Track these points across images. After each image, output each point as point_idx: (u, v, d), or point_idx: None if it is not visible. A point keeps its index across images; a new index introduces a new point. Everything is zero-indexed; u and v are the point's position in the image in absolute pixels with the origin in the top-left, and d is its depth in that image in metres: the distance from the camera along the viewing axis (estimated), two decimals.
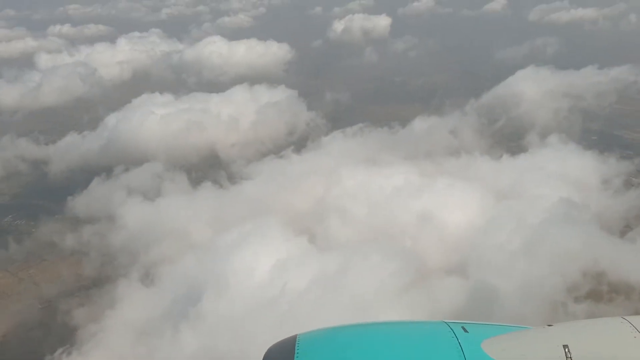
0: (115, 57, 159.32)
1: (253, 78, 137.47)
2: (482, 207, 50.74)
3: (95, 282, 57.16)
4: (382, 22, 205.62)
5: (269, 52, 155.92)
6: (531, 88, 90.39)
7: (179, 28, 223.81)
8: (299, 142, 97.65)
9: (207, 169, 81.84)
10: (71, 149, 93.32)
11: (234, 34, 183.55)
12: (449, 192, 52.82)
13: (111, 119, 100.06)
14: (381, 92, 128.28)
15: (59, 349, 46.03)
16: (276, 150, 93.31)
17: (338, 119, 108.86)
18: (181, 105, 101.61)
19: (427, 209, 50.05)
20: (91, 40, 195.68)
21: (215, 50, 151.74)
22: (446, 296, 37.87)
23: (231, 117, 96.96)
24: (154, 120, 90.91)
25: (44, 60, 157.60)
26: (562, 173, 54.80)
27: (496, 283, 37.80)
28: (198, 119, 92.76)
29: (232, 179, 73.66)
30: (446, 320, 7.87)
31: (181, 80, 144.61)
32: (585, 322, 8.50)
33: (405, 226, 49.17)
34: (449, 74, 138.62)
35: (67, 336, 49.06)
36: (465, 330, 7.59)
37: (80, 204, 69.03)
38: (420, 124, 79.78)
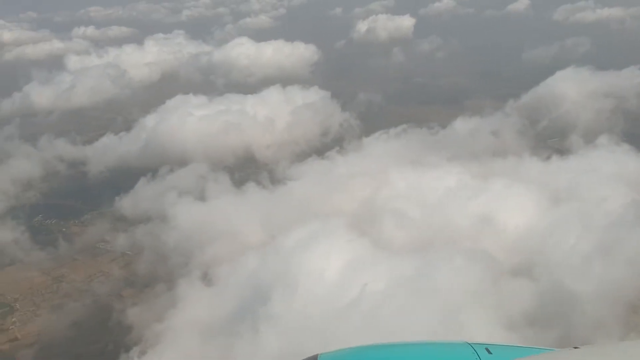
0: (144, 59, 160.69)
1: (281, 79, 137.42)
2: (539, 209, 50.23)
3: (147, 281, 57.55)
4: (406, 22, 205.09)
5: (296, 53, 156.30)
6: (572, 88, 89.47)
7: (201, 29, 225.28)
8: (334, 143, 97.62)
9: (247, 169, 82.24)
10: (109, 149, 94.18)
11: (257, 35, 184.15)
12: (505, 194, 52.39)
13: (147, 121, 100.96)
14: (411, 93, 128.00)
15: (120, 348, 46.76)
16: (311, 151, 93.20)
17: (372, 120, 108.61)
18: (216, 106, 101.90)
19: (484, 210, 49.65)
20: (115, 42, 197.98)
21: (243, 52, 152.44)
22: (517, 298, 37.49)
23: (266, 118, 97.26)
24: (191, 122, 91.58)
25: (73, 61, 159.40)
26: (618, 174, 54.06)
27: (569, 285, 37.39)
28: (235, 121, 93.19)
29: (274, 180, 73.70)
30: (469, 342, 7.68)
31: (210, 82, 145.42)
32: (613, 345, 7.87)
33: (463, 228, 48.74)
34: (477, 74, 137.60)
35: (122, 335, 49.70)
36: (489, 352, 7.40)
37: (126, 203, 69.62)
38: (462, 125, 79.39)
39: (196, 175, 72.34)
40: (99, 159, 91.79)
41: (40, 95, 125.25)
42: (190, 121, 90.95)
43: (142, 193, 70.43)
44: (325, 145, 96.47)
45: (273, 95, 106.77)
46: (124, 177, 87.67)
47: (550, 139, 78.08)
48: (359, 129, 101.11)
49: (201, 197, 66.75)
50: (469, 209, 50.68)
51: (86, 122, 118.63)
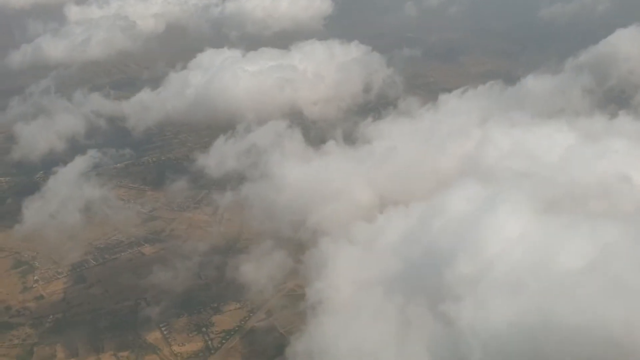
0: (149, 10, 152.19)
1: (297, 33, 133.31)
2: None
3: (250, 240, 55.63)
4: None
5: (313, 6, 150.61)
6: (634, 46, 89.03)
7: None
8: (378, 99, 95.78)
9: (316, 127, 79.46)
10: (149, 105, 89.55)
11: None
12: (624, 152, 51.89)
13: (181, 76, 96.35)
14: (440, 48, 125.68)
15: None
16: (358, 108, 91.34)
17: (415, 76, 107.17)
18: (264, 62, 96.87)
19: (612, 169, 49.07)
20: None
21: (259, 4, 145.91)
22: None
23: (314, 74, 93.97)
24: (243, 78, 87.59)
25: (74, 12, 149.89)
26: None
27: None
28: (288, 77, 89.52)
29: (348, 138, 71.37)
30: None
31: (222, 35, 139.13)
32: None
33: (593, 187, 48.11)
34: (502, 29, 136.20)
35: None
36: None
37: (204, 161, 66.63)
38: (532, 82, 78.33)
39: (274, 133, 69.34)
40: (141, 115, 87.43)
41: (54, 48, 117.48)
42: (242, 77, 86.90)
43: (220, 150, 67.18)
44: (370, 102, 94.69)
45: (312, 49, 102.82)
46: (175, 134, 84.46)
47: (620, 96, 77.92)
48: (403, 85, 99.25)
49: (282, 155, 64.16)
50: (595, 167, 49.91)
51: (108, 75, 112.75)
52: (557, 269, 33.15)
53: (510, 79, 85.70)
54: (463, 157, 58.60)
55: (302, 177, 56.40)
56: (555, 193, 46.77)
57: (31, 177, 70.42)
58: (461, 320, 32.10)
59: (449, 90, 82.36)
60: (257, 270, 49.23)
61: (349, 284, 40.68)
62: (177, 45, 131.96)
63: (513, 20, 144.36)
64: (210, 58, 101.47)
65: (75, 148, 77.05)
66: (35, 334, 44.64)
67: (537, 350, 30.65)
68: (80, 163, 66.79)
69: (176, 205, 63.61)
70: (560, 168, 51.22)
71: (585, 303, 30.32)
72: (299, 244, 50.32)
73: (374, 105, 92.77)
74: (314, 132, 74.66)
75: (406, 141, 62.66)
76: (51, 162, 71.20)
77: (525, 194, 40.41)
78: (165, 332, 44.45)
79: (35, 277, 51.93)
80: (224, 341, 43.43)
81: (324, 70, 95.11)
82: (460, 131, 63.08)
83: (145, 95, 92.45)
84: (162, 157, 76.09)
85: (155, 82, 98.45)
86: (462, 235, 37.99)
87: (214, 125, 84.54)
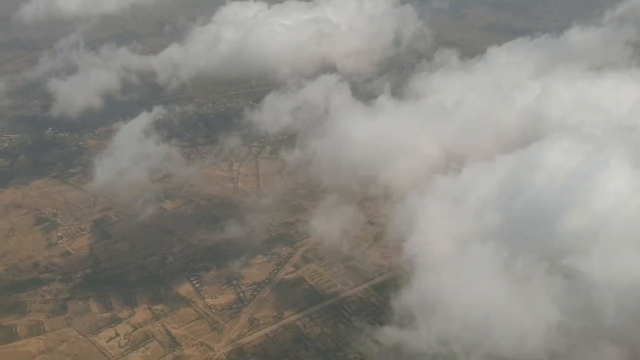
0: None
1: None
2: None
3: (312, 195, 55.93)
4: None
5: None
6: None
7: None
8: (409, 52, 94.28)
9: (361, 82, 78.25)
10: (180, 60, 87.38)
11: None
12: None
13: (211, 29, 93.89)
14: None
15: None
16: (389, 61, 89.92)
17: (448, 28, 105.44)
18: (282, 14, 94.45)
19: None
20: None
21: None
22: None
23: (345, 27, 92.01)
24: (278, 33, 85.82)
25: None
26: None
27: None
28: (319, 30, 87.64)
29: (395, 92, 70.45)
30: None
31: None
32: None
33: None
34: None
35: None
36: None
37: (257, 117, 65.74)
38: (575, 35, 77.54)
39: (324, 88, 68.20)
40: (172, 71, 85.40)
41: (68, 1, 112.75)
42: (279, 32, 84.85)
43: (272, 106, 66.17)
44: (401, 55, 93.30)
45: (341, 1, 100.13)
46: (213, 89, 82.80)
47: None
48: (434, 38, 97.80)
49: (342, 110, 63.40)
50: None
51: (129, 29, 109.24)
52: None
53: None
54: (525, 111, 58.60)
55: (366, 132, 55.82)
56: None
57: (41, 133, 70.01)
58: (588, 274, 32.23)
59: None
60: (327, 223, 49.57)
61: (443, 239, 40.57)
62: None
63: None
64: (236, 11, 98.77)
65: (111, 105, 75.75)
66: (66, 289, 44.53)
67: None
68: (144, 119, 65.50)
69: (234, 159, 63.18)
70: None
71: None
72: (367, 199, 50.29)
73: (407, 59, 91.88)
74: (362, 88, 73.37)
75: (462, 95, 62.01)
76: (91, 120, 70.42)
77: (625, 147, 40.31)
78: (196, 285, 44.64)
79: (59, 234, 51.64)
80: (255, 293, 43.64)
81: (355, 23, 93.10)
82: (517, 85, 62.68)
83: (174, 51, 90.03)
84: (210, 113, 74.54)
85: (177, 36, 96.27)
86: (569, 189, 37.83)
87: (249, 80, 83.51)
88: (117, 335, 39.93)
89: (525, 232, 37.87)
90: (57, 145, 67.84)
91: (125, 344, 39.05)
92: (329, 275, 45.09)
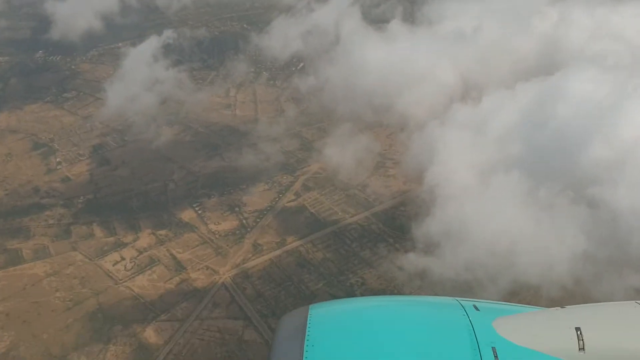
0: None
1: None
2: None
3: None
4: None
5: None
6: None
7: None
8: None
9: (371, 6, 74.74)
10: None
11: None
12: None
13: None
14: None
15: None
16: None
17: None
18: None
19: None
20: None
21: None
22: None
23: None
24: None
25: None
26: None
27: None
28: None
29: (407, 17, 67.61)
30: (458, 298, 7.78)
31: None
32: (598, 305, 8.31)
33: None
34: None
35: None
36: (477, 309, 7.52)
37: (266, 41, 63.46)
38: None
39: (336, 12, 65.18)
40: None
41: None
42: None
43: (279, 32, 63.70)
44: None
45: None
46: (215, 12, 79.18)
47: None
48: None
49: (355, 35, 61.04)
50: None
51: None
52: None
53: None
54: (542, 39, 56.58)
55: (381, 58, 53.93)
56: None
57: (31, 56, 67.36)
58: (614, 203, 32.15)
59: None
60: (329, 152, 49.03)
61: (465, 169, 40.34)
62: None
63: None
64: None
65: (111, 27, 72.75)
66: (69, 214, 44.28)
67: None
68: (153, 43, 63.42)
69: (230, 85, 61.41)
70: None
71: None
72: (383, 127, 49.61)
73: None
74: (374, 12, 70.34)
75: (478, 21, 59.52)
76: (91, 42, 67.81)
77: None
78: (199, 212, 44.57)
79: (57, 159, 50.98)
80: (257, 220, 43.69)
81: None
82: (534, 11, 60.15)
83: None
84: (205, 36, 71.66)
85: None
86: (594, 118, 37.18)
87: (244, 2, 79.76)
88: (123, 259, 40.12)
89: (549, 161, 37.62)
90: (49, 69, 65.55)
91: (132, 268, 39.35)
92: (329, 203, 44.95)
